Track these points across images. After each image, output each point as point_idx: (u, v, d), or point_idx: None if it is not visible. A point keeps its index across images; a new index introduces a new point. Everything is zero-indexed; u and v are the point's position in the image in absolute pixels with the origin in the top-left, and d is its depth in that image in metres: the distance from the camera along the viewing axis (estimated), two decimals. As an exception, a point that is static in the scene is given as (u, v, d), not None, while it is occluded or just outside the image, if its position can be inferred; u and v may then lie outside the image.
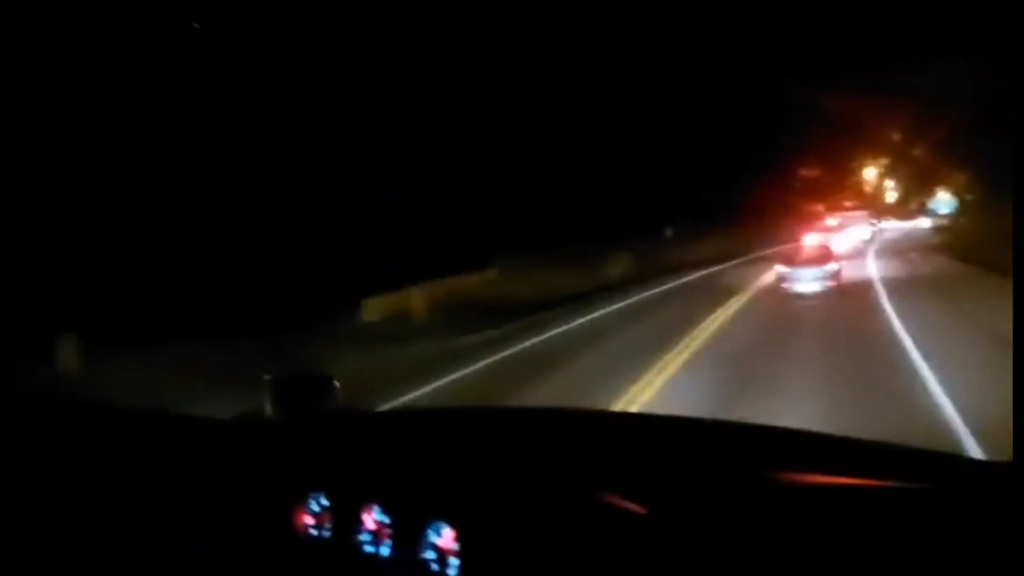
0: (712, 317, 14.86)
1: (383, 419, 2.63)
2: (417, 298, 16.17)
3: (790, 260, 16.80)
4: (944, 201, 47.87)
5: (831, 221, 38.86)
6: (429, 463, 1.61)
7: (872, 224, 45.89)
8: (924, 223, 54.38)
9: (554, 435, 1.80)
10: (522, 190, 23.78)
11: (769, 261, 22.89)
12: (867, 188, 66.27)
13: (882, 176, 66.48)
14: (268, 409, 2.07)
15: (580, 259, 23.40)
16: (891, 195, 68.81)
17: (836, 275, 15.74)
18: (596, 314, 17.67)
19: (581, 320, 16.79)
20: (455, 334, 14.07)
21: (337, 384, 2.11)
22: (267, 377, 2.07)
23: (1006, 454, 1.35)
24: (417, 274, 18.10)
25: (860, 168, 63.32)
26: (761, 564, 1.12)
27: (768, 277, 20.11)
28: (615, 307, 19.08)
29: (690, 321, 14.11)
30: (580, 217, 26.29)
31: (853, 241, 32.19)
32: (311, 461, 1.73)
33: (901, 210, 63.88)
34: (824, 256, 16.62)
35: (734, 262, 31.89)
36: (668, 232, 33.09)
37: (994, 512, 1.13)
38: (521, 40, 22.35)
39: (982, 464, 1.58)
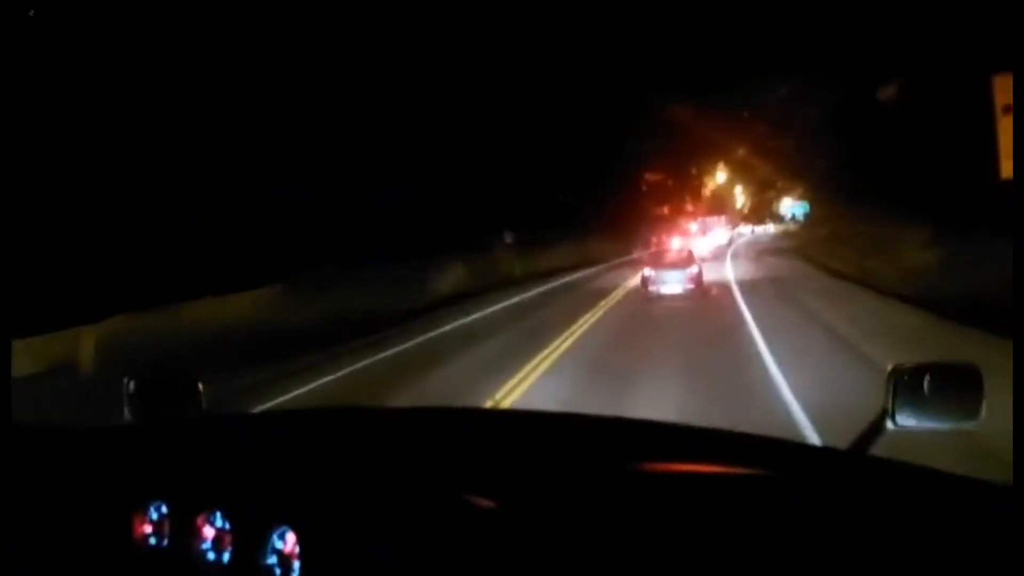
0: (555, 345, 11.46)
1: (243, 422, 2.37)
2: (86, 341, 10.37)
3: (654, 264, 17.48)
4: (796, 207, 48.28)
5: (692, 227, 40.33)
6: (271, 467, 1.54)
7: (730, 229, 48.86)
8: (772, 228, 56.07)
9: (407, 433, 1.79)
10: (326, 194, 18.70)
11: (624, 268, 23.98)
12: (718, 194, 66.28)
13: (731, 182, 66.68)
14: (127, 413, 1.95)
15: (400, 271, 18.43)
16: (739, 200, 69.31)
17: (698, 277, 16.65)
18: (404, 346, 12.98)
19: (380, 356, 11.93)
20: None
21: (201, 387, 1.99)
22: (126, 380, 1.95)
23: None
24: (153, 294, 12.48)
25: (711, 175, 62.89)
26: (614, 553, 1.12)
27: (624, 288, 20.42)
28: (438, 332, 14.64)
29: (537, 344, 11.16)
30: (404, 223, 21.05)
31: (713, 245, 34.10)
32: (152, 467, 1.65)
33: (752, 216, 64.41)
34: (686, 260, 17.52)
35: (586, 271, 29.42)
36: (508, 238, 29.12)
37: (847, 500, 1.19)
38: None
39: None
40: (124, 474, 1.63)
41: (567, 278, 26.69)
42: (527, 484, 1.30)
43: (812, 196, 40.86)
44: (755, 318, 12.87)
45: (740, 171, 60.33)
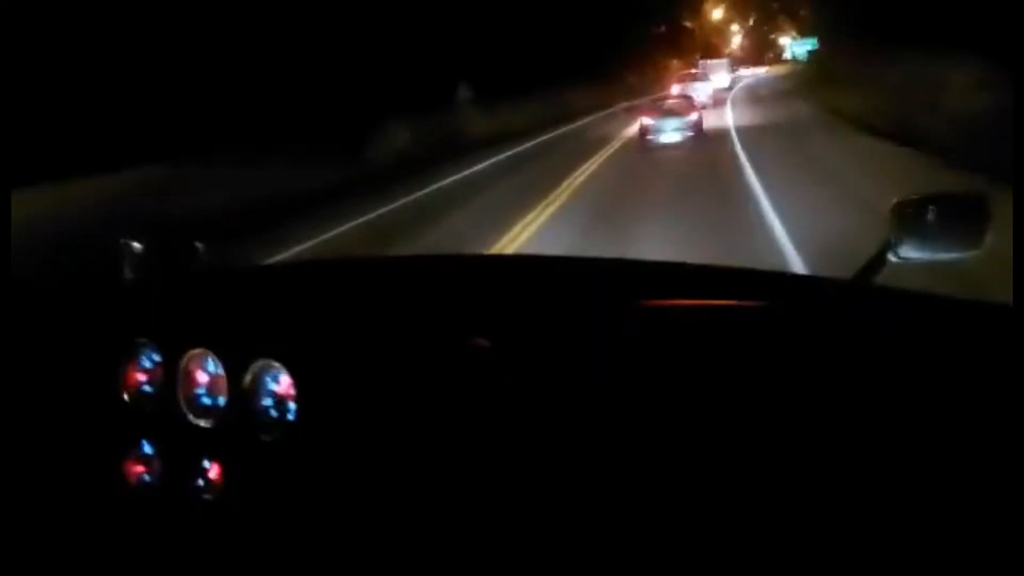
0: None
1: (238, 275, 2.21)
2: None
3: (652, 113, 16.91)
4: (800, 44, 44.03)
5: (693, 71, 37.86)
6: (266, 309, 1.52)
7: (732, 72, 45.98)
8: (776, 70, 51.81)
9: (404, 278, 1.79)
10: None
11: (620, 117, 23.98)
12: (712, 34, 60.66)
13: (726, 20, 60.73)
14: (127, 273, 1.88)
15: (326, 141, 14.85)
16: (736, 39, 63.61)
17: (698, 124, 16.33)
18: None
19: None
20: None
21: (200, 247, 1.94)
22: (123, 240, 1.90)
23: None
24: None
25: (708, 15, 56.93)
26: (613, 388, 1.14)
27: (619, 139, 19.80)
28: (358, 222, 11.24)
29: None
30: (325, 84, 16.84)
31: (713, 90, 31.85)
32: (142, 312, 1.63)
33: (750, 57, 59.23)
34: (686, 107, 17.08)
35: (563, 129, 26.25)
36: (463, 93, 23.55)
37: (842, 328, 1.18)
38: None
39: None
40: (116, 319, 1.61)
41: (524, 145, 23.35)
42: (524, 322, 1.29)
43: (822, 29, 36.46)
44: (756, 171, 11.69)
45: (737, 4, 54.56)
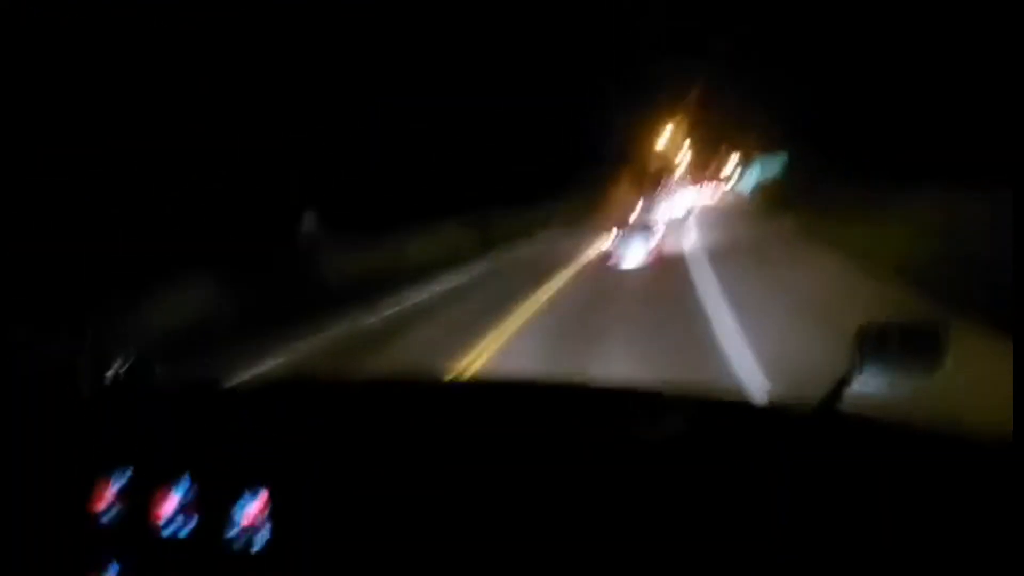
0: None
1: (209, 394, 2.14)
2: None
3: (614, 237, 16.67)
4: (760, 164, 44.67)
5: (651, 195, 38.87)
6: (239, 429, 1.59)
7: (691, 195, 46.48)
8: (723, 190, 54.11)
9: (377, 405, 1.76)
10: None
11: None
12: (668, 156, 63.68)
13: (677, 138, 63.83)
14: (84, 389, 1.92)
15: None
16: (685, 158, 67.08)
17: (659, 249, 16.06)
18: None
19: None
20: None
21: (158, 369, 1.98)
22: (81, 356, 1.94)
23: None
24: None
25: (658, 133, 59.67)
26: (588, 511, 1.17)
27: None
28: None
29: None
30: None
31: (675, 211, 32.23)
32: (115, 433, 1.68)
33: (699, 179, 62.22)
34: (647, 231, 16.79)
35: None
36: (307, 225, 16.03)
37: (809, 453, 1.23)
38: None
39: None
40: (89, 440, 1.61)
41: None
42: (492, 453, 1.30)
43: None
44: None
45: (689, 124, 57.51)
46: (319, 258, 15.43)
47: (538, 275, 15.69)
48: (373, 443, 1.41)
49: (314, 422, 1.60)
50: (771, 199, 33.88)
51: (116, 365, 1.97)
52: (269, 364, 9.45)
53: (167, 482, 1.45)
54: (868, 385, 1.43)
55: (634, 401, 1.59)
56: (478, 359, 8.22)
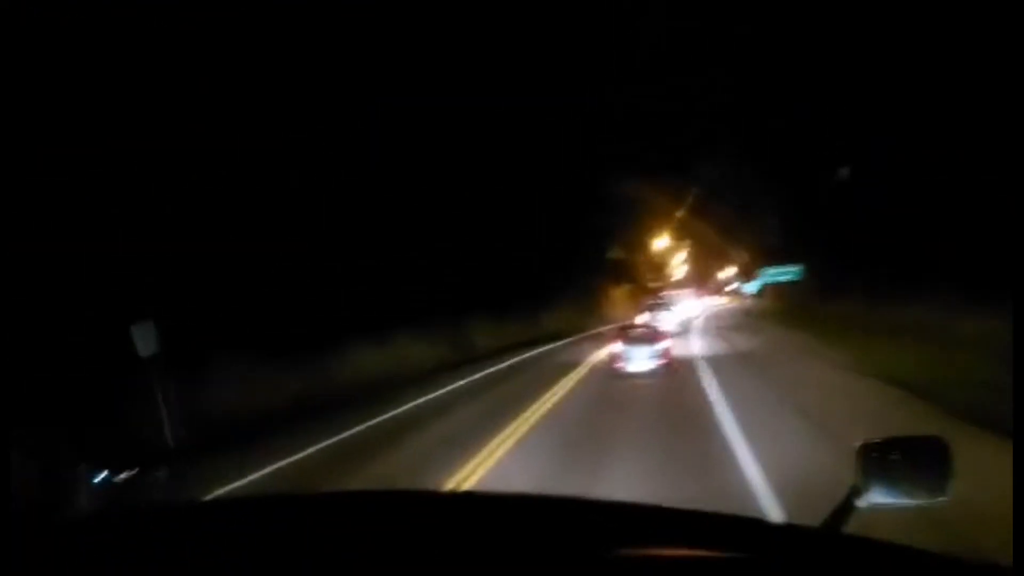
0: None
1: (196, 512, 2.08)
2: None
3: (622, 340, 16.43)
4: (754, 283, 45.57)
5: (659, 300, 37.52)
6: (223, 559, 1.46)
7: (699, 301, 46.56)
8: (725, 300, 53.89)
9: (371, 521, 1.68)
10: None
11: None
12: (667, 269, 63.96)
13: (671, 252, 64.50)
14: (83, 500, 1.33)
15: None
16: (681, 271, 67.31)
17: (667, 353, 15.88)
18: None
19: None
20: None
21: (164, 473, 1.11)
22: (81, 465, 1.31)
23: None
24: None
25: (663, 251, 60.17)
26: None
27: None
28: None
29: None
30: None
31: (681, 318, 31.97)
32: (93, 561, 1.53)
33: (697, 285, 62.27)
34: (655, 335, 16.76)
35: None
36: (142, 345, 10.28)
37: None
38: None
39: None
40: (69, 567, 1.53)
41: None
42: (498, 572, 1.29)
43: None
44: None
45: (692, 246, 58.08)
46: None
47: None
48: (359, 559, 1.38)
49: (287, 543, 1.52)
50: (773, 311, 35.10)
51: (123, 475, 1.82)
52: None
53: None
54: (875, 501, 1.43)
55: (636, 519, 1.56)
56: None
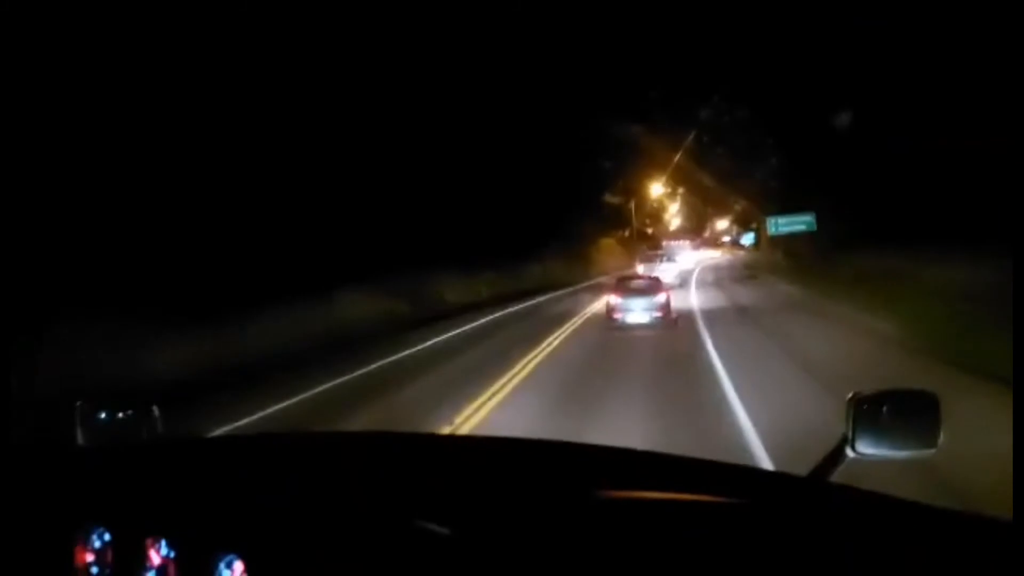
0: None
1: (194, 448, 2.23)
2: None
3: (619, 292, 16.26)
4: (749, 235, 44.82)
5: (659, 251, 37.70)
6: (219, 493, 1.55)
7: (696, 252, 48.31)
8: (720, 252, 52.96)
9: (361, 459, 1.77)
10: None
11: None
12: (665, 217, 62.59)
13: (668, 200, 63.03)
14: (79, 437, 1.94)
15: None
16: (676, 221, 66.07)
17: (666, 306, 15.71)
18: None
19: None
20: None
21: (156, 411, 1.99)
22: (79, 403, 1.96)
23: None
24: None
25: (659, 199, 58.55)
26: None
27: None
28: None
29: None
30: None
31: (680, 269, 31.71)
32: (97, 492, 1.64)
33: (692, 236, 61.26)
34: (654, 287, 16.51)
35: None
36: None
37: (808, 527, 1.23)
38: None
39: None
40: (67, 498, 1.60)
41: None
42: (484, 511, 1.29)
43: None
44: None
45: (686, 185, 56.39)
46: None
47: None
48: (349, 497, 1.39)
49: (292, 479, 1.56)
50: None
51: (121, 414, 1.93)
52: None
53: (146, 540, 1.42)
54: (864, 452, 1.48)
55: (631, 464, 1.58)
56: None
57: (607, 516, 1.24)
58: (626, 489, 1.31)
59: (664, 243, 43.76)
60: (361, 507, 1.32)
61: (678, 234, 57.10)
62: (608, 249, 49.04)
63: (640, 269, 26.82)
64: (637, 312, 15.40)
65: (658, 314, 15.31)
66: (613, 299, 15.95)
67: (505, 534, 1.19)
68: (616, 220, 51.26)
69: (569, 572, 1.11)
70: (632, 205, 51.48)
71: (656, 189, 54.01)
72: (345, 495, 1.40)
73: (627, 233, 52.30)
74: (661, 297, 15.64)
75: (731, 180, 41.26)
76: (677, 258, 34.06)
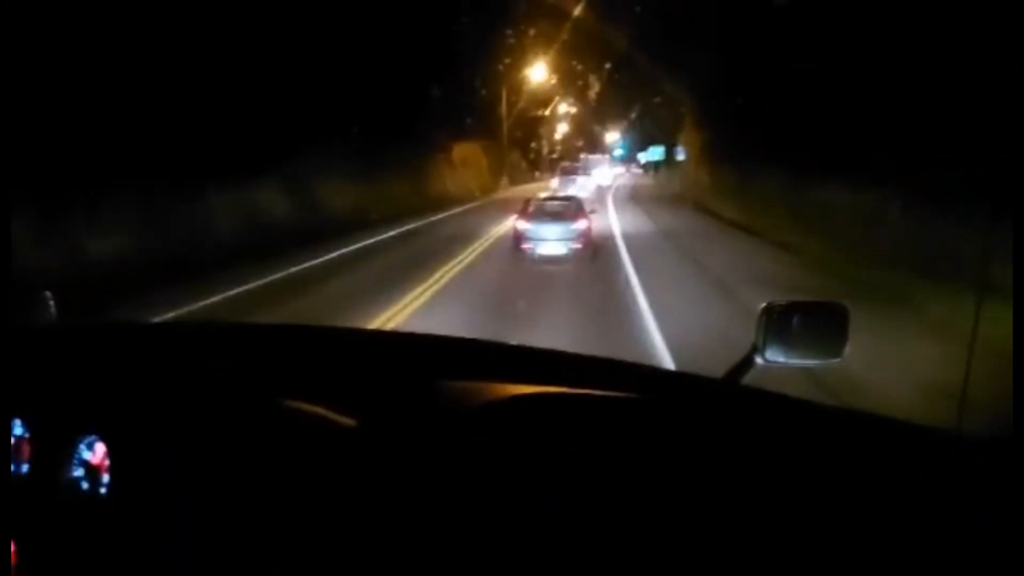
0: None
1: (73, 334, 2.13)
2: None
3: (530, 216, 14.35)
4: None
5: (573, 163, 35.48)
6: (81, 375, 1.58)
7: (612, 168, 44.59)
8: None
9: (243, 346, 1.81)
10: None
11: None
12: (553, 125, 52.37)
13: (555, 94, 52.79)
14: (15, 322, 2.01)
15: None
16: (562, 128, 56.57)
17: (587, 234, 13.89)
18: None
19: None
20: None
21: (49, 296, 2.05)
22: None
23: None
24: None
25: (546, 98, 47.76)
26: (476, 475, 1.17)
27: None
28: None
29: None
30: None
31: (594, 187, 29.88)
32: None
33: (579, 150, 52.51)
34: (573, 211, 14.55)
35: None
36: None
37: (725, 427, 1.28)
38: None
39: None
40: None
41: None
42: (391, 404, 1.32)
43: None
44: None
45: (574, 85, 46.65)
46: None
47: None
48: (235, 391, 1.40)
49: (166, 369, 1.58)
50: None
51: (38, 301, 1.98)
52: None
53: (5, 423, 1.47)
54: (774, 360, 1.55)
55: (537, 366, 1.61)
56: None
57: (515, 409, 1.26)
58: (531, 384, 1.33)
59: (583, 157, 41.03)
60: (232, 391, 1.35)
61: (567, 147, 48.49)
62: (469, 160, 38.44)
63: (554, 184, 25.84)
64: (552, 242, 13.82)
65: (578, 245, 13.81)
66: (521, 224, 14.37)
67: (407, 427, 1.23)
68: (484, 121, 40.36)
69: (465, 467, 1.15)
70: (503, 98, 40.96)
71: (538, 76, 43.20)
72: (217, 380, 1.42)
73: (514, 148, 41.90)
74: (581, 223, 14.12)
75: (650, 71, 32.34)
76: (595, 173, 33.10)
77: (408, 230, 19.47)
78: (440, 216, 23.22)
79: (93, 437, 1.35)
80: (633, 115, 43.41)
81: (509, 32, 35.60)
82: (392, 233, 18.38)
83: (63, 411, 1.41)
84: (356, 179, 21.95)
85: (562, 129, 55.20)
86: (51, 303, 1.95)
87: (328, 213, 18.96)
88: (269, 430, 1.24)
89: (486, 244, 15.75)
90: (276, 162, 17.04)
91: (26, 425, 1.42)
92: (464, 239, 16.47)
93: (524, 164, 50.76)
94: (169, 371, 1.51)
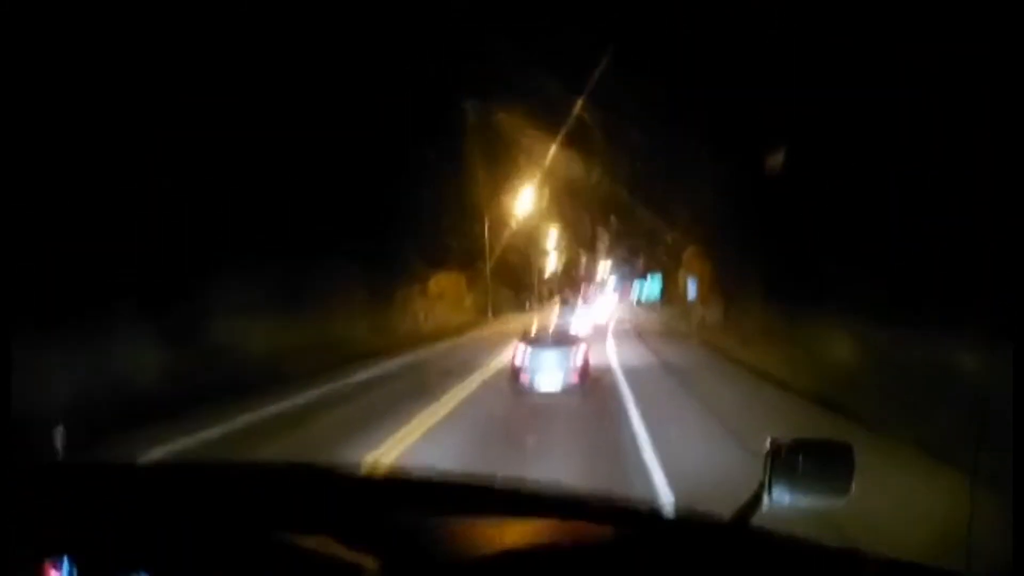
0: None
1: (107, 473, 2.20)
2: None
3: (527, 348, 13.72)
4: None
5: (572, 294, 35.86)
6: (127, 518, 1.60)
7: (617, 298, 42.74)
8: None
9: (277, 491, 1.80)
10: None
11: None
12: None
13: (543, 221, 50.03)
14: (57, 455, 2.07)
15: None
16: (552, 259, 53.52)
17: (584, 368, 13.27)
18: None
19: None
20: None
21: (60, 435, 2.05)
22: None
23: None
24: None
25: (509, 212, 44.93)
26: None
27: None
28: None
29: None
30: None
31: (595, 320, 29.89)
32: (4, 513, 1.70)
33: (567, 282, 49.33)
34: (569, 342, 13.98)
35: None
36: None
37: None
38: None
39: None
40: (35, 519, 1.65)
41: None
42: (411, 546, 1.36)
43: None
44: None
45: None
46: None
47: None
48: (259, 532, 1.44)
49: (206, 512, 1.62)
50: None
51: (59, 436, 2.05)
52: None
53: (50, 563, 1.46)
54: (781, 500, 1.55)
55: (550, 504, 1.63)
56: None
57: (528, 555, 1.29)
58: (546, 519, 1.41)
59: (583, 286, 37.03)
60: (279, 541, 1.38)
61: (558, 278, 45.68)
62: (447, 292, 34.81)
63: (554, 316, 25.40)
64: (549, 376, 12.98)
65: (574, 380, 12.97)
66: (519, 354, 13.48)
67: (426, 569, 1.29)
68: (467, 249, 37.10)
69: None
70: (487, 227, 37.98)
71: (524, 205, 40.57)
72: (259, 527, 1.46)
73: (487, 266, 38.43)
74: (579, 356, 13.20)
75: (645, 201, 29.55)
76: (597, 303, 33.90)
77: (317, 397, 13.17)
78: (389, 364, 18.06)
79: (143, 574, 1.39)
80: (626, 252, 40.91)
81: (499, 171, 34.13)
82: (284, 405, 12.02)
83: (112, 549, 1.45)
84: (289, 313, 18.01)
85: (553, 258, 52.68)
86: (59, 439, 2.09)
87: (235, 359, 14.72)
88: (299, 571, 1.28)
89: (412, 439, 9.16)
90: (156, 300, 12.59)
91: (73, 561, 1.43)
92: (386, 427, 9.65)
93: (513, 294, 47.96)
94: (203, 512, 1.55)
